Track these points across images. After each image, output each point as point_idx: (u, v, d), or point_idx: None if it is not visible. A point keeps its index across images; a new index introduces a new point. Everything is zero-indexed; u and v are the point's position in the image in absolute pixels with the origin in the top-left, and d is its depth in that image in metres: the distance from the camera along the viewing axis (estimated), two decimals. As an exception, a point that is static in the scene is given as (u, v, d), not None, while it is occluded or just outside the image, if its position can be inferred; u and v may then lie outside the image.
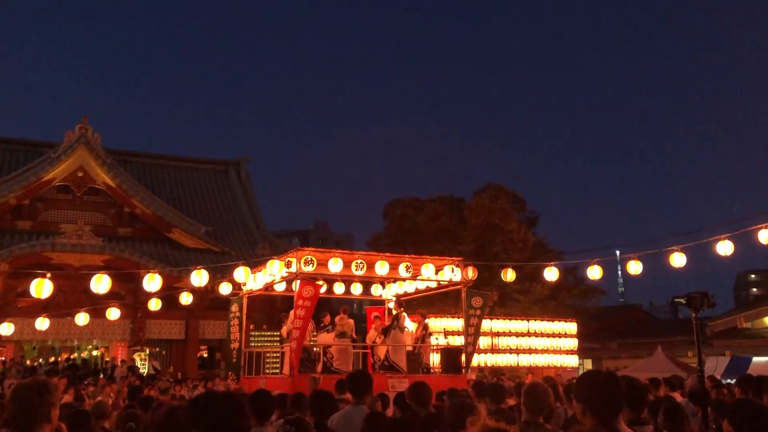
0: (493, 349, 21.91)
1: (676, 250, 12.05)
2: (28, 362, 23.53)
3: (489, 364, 21.78)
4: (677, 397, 8.23)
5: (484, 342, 21.41)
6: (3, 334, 18.07)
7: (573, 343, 23.31)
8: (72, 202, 27.48)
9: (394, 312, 15.11)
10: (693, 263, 12.10)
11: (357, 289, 16.79)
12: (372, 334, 14.63)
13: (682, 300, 5.15)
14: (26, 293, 20.61)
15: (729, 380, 15.10)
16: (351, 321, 14.08)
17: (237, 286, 15.49)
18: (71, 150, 26.52)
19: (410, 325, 14.64)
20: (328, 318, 14.15)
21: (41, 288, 12.96)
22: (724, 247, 11.33)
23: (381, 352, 13.96)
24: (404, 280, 15.31)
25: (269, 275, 13.64)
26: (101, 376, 21.08)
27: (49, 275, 13.07)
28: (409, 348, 14.15)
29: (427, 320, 15.30)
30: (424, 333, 14.69)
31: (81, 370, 23.08)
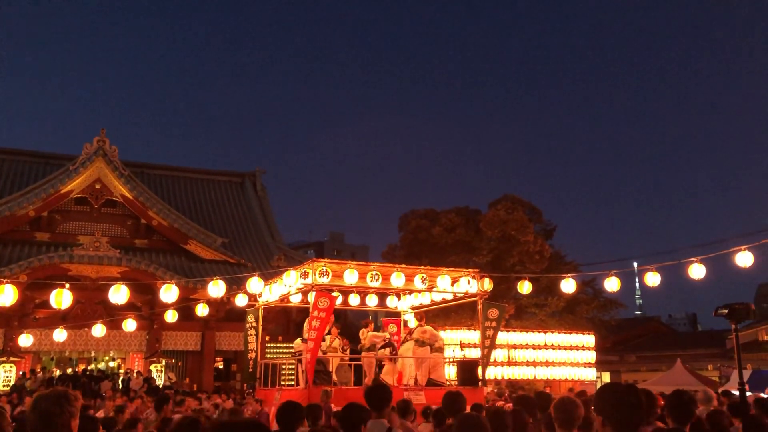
0: (510, 362, 21.72)
1: (695, 262, 11.85)
2: (39, 372, 23.68)
3: (506, 377, 21.59)
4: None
5: (500, 355, 21.23)
6: (22, 345, 18.23)
7: (591, 356, 23.09)
8: (89, 214, 27.75)
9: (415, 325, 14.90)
10: (712, 275, 11.87)
11: (372, 300, 16.76)
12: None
13: (724, 311, 5.09)
14: (44, 305, 20.83)
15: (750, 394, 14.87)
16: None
17: (253, 298, 15.52)
18: (89, 162, 26.82)
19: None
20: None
21: (60, 298, 13.03)
22: (744, 259, 11.10)
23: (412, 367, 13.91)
24: (420, 291, 15.23)
25: (285, 286, 13.65)
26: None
27: (68, 286, 13.15)
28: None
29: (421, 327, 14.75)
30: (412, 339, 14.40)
31: (102, 380, 23.22)
